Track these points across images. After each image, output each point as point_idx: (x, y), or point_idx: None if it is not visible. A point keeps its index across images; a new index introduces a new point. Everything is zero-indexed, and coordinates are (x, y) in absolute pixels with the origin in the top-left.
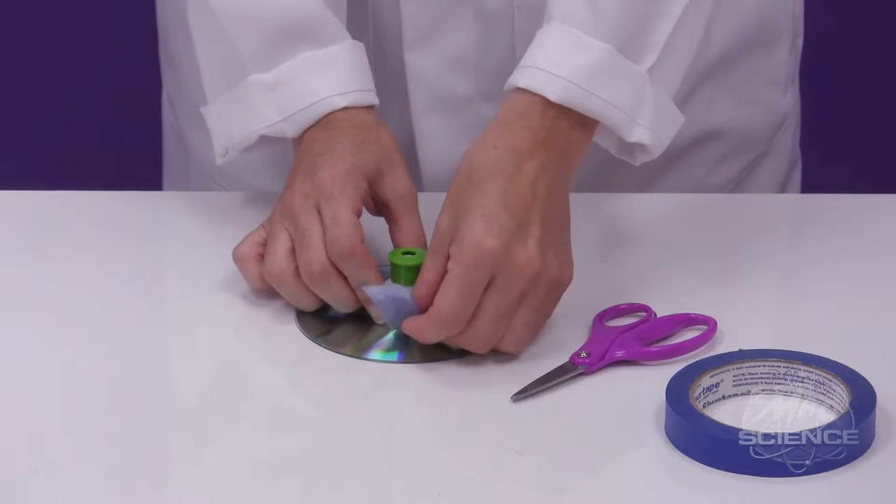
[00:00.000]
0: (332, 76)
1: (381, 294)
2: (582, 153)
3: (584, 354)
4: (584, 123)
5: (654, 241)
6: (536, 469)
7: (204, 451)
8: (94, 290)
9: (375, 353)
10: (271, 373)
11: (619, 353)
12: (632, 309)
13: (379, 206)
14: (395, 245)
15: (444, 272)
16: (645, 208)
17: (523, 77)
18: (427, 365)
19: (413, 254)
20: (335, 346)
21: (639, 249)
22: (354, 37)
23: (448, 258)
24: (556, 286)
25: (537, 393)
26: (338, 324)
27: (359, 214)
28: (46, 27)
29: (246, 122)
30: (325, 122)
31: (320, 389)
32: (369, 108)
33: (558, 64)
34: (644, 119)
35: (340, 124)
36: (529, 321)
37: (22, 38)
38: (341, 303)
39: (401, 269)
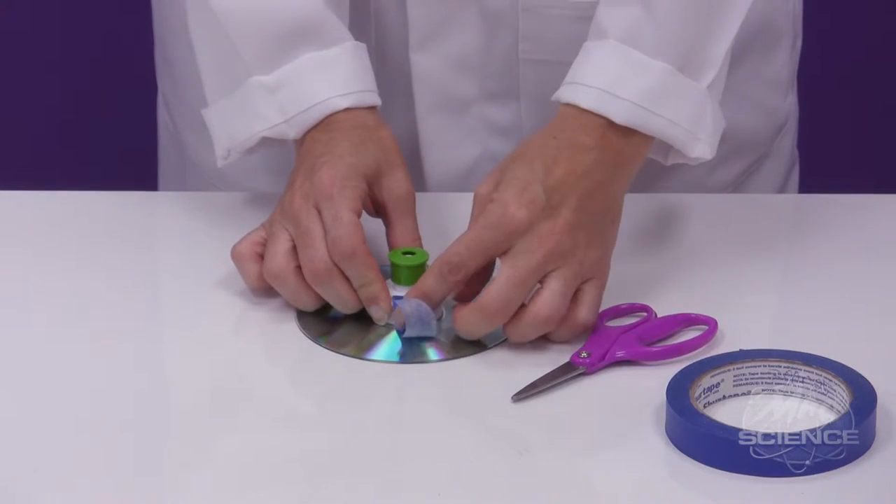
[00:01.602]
0: (333, 77)
1: (409, 308)
2: (638, 158)
3: (584, 354)
4: (639, 132)
5: (654, 241)
6: (536, 469)
7: (205, 451)
8: (95, 290)
9: (376, 354)
10: (272, 373)
11: (620, 354)
12: (632, 309)
13: (377, 207)
14: (390, 247)
15: None
16: (645, 208)
17: (585, 97)
18: (427, 365)
19: (413, 253)
20: (336, 347)
21: (639, 249)
22: (356, 38)
23: None
24: (594, 272)
25: (538, 393)
26: (339, 324)
27: (359, 215)
28: (45, 27)
29: (248, 124)
30: (326, 123)
31: (321, 389)
32: (371, 108)
33: (620, 85)
34: (704, 134)
35: (341, 125)
36: (563, 291)
37: (20, 38)
38: (343, 303)
39: (401, 268)
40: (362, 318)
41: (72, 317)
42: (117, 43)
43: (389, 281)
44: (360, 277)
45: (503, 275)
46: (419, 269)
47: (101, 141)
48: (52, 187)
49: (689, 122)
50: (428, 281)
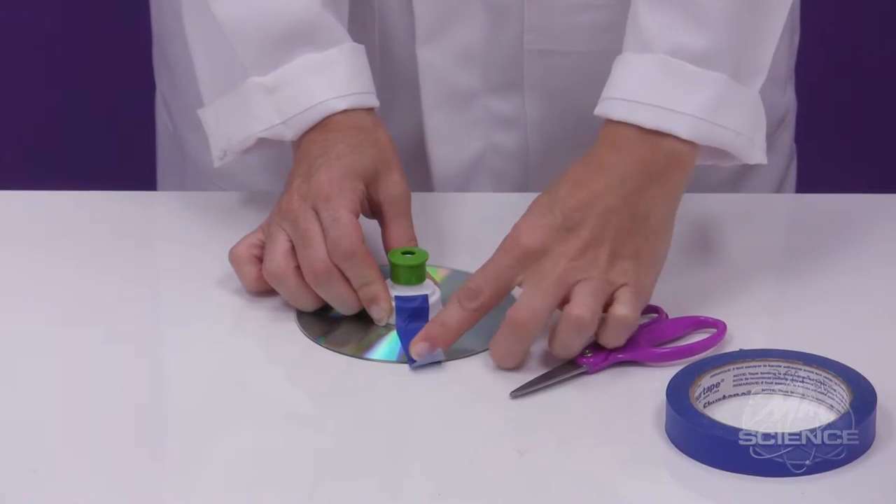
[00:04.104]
0: (331, 79)
1: (419, 360)
2: (678, 164)
3: (587, 353)
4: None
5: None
6: (536, 469)
7: (204, 450)
8: (94, 290)
9: (376, 353)
10: (271, 372)
11: (622, 355)
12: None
13: (373, 208)
14: (386, 247)
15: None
16: None
17: (644, 115)
18: (427, 365)
19: (413, 253)
20: (336, 346)
21: None
22: (360, 35)
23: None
24: (625, 280)
25: (538, 392)
26: (338, 324)
27: (357, 215)
28: (43, 27)
29: (245, 124)
30: (324, 125)
31: (320, 389)
32: (369, 110)
33: (681, 100)
34: (759, 138)
35: (338, 126)
36: (591, 292)
37: (18, 38)
38: (343, 304)
39: (400, 268)
40: (362, 318)
41: (71, 316)
42: (115, 43)
43: (389, 281)
44: (360, 277)
45: (524, 292)
46: (419, 269)
47: (100, 141)
48: (51, 187)
49: (747, 129)
50: (448, 311)
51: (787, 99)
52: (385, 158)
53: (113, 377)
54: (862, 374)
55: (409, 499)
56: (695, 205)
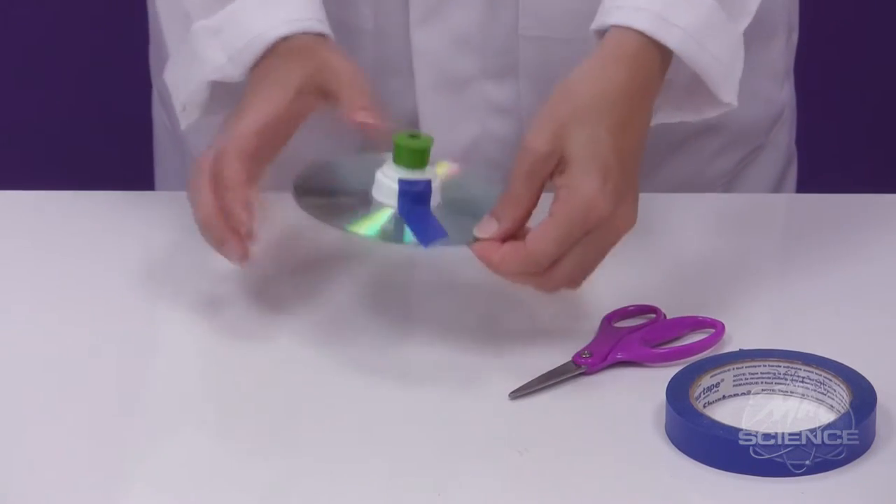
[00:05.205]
0: (276, 11)
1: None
2: (659, 90)
3: (586, 354)
4: (662, 63)
5: (660, 242)
6: (536, 469)
7: (205, 448)
8: (93, 290)
9: (371, 230)
10: (271, 370)
11: (620, 356)
12: (641, 310)
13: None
14: (345, 119)
15: (536, 198)
16: (651, 207)
17: (638, 19)
18: (426, 364)
19: (417, 137)
20: (332, 219)
21: (647, 249)
22: (356, 17)
23: (541, 184)
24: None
25: (538, 392)
26: (337, 197)
27: (252, 178)
28: (41, 27)
29: (196, 70)
30: (266, 57)
31: (319, 387)
32: (318, 36)
33: (674, 13)
34: (734, 76)
35: (277, 52)
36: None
37: (15, 39)
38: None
39: (403, 150)
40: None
41: (69, 316)
42: (111, 42)
43: (390, 161)
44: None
45: (571, 260)
46: (422, 153)
47: (97, 140)
48: (48, 187)
49: (727, 63)
50: (510, 270)
51: (784, 95)
52: (320, 59)
53: (111, 376)
54: (862, 374)
55: (408, 499)
56: (694, 205)
